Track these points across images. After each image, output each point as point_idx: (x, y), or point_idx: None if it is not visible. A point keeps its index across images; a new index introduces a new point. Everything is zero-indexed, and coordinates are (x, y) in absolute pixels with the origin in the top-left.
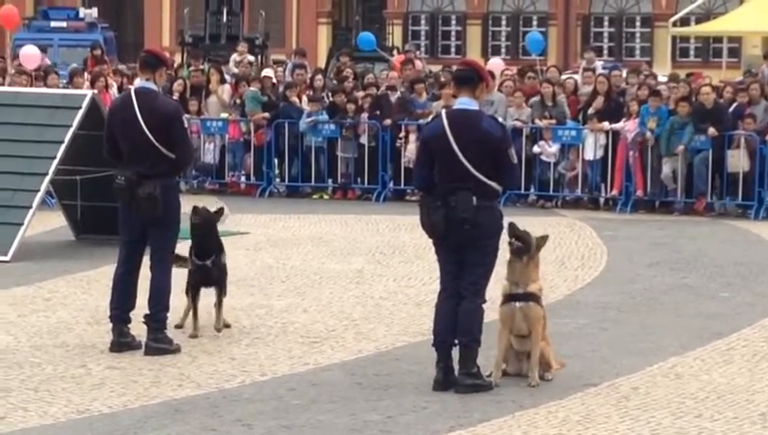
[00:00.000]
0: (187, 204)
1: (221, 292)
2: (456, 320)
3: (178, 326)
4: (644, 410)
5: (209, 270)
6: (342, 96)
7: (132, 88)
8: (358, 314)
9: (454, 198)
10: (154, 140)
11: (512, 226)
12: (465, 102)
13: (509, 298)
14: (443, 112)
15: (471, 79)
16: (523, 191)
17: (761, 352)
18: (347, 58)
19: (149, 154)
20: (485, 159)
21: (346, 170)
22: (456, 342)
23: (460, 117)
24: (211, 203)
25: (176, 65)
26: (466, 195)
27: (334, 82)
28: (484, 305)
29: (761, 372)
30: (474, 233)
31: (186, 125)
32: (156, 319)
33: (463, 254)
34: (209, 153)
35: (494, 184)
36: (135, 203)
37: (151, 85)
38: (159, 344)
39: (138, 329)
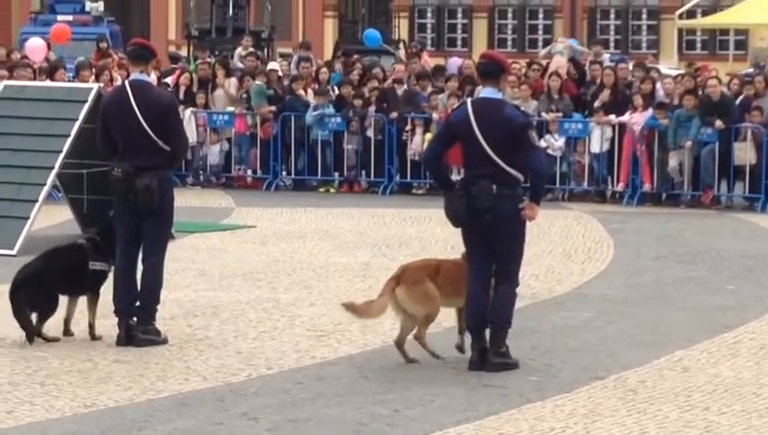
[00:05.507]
0: (194, 199)
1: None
2: (487, 303)
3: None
4: (651, 404)
5: None
6: (349, 89)
7: (126, 81)
8: None
9: (475, 188)
10: (151, 133)
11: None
12: (488, 92)
13: None
14: (468, 101)
15: (495, 71)
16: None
17: None
18: (353, 57)
19: (146, 146)
20: (507, 144)
21: (353, 163)
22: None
23: (484, 104)
24: (218, 197)
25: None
26: (487, 184)
27: (338, 71)
28: (517, 289)
29: None
30: (494, 221)
31: (180, 116)
32: (147, 312)
33: (489, 242)
34: (214, 155)
35: (514, 172)
36: (132, 195)
37: (145, 77)
38: (148, 336)
39: None
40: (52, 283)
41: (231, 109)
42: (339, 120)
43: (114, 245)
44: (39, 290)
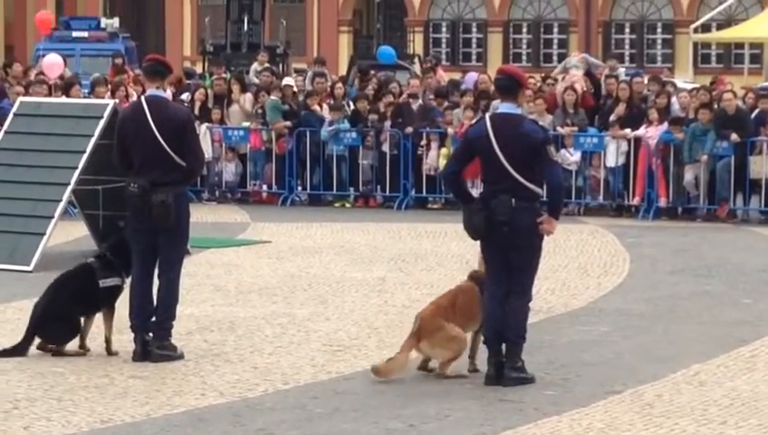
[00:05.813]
0: (209, 214)
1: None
2: (503, 317)
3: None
4: (668, 418)
5: None
6: (364, 104)
7: (143, 97)
8: (380, 323)
9: (494, 202)
10: (167, 148)
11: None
12: (507, 107)
13: None
14: (487, 116)
15: (513, 87)
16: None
17: None
18: (369, 73)
19: (162, 162)
20: (525, 159)
21: (368, 178)
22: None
23: (503, 120)
24: (233, 212)
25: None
26: (506, 198)
27: (354, 87)
28: (530, 304)
29: None
30: (513, 234)
31: (196, 132)
32: (162, 327)
33: (507, 255)
34: (230, 173)
35: (532, 186)
36: (148, 211)
37: (161, 93)
38: (164, 351)
39: None
40: (66, 312)
41: (246, 124)
42: (354, 135)
43: (127, 257)
44: (56, 325)
